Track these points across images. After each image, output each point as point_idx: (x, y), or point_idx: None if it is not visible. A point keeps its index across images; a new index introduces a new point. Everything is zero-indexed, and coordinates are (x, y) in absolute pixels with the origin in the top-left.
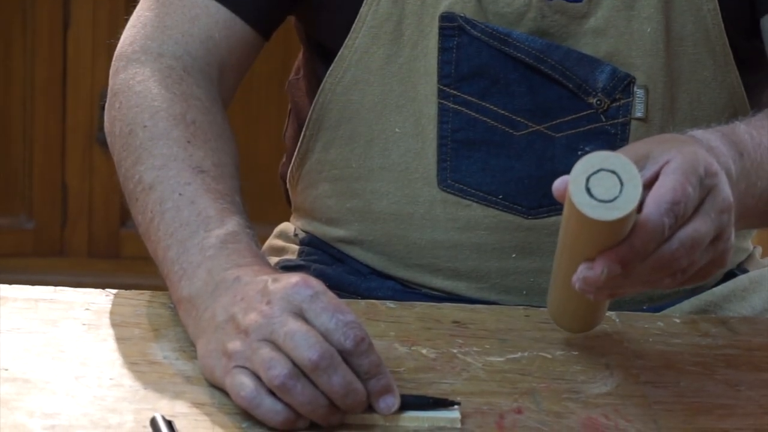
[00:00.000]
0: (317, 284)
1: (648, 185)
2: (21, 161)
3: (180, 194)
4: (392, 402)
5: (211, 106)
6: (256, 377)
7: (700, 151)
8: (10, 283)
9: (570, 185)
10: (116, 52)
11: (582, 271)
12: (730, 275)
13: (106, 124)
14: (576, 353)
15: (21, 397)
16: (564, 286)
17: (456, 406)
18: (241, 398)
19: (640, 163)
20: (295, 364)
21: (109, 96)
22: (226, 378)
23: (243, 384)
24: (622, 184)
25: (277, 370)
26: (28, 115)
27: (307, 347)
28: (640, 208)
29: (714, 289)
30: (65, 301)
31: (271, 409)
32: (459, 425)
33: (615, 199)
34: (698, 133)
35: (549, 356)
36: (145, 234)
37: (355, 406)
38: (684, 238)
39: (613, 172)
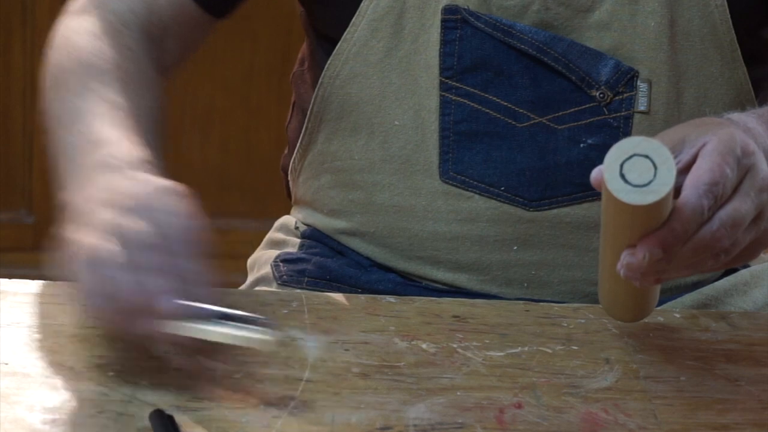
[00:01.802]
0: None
1: (685, 169)
2: (21, 156)
3: (91, 120)
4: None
5: (143, 58)
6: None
7: (737, 132)
8: (10, 277)
9: (605, 173)
10: (66, 9)
11: (625, 257)
12: (732, 270)
13: (44, 77)
14: (576, 348)
15: (21, 392)
16: (611, 275)
17: (269, 328)
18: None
19: (677, 148)
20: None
21: (49, 47)
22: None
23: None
24: (655, 167)
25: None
26: (28, 109)
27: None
28: (678, 191)
29: (715, 283)
30: (65, 296)
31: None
32: (272, 347)
33: (650, 182)
34: (734, 115)
35: (549, 351)
36: (54, 160)
37: (135, 304)
38: (725, 218)
39: (646, 156)
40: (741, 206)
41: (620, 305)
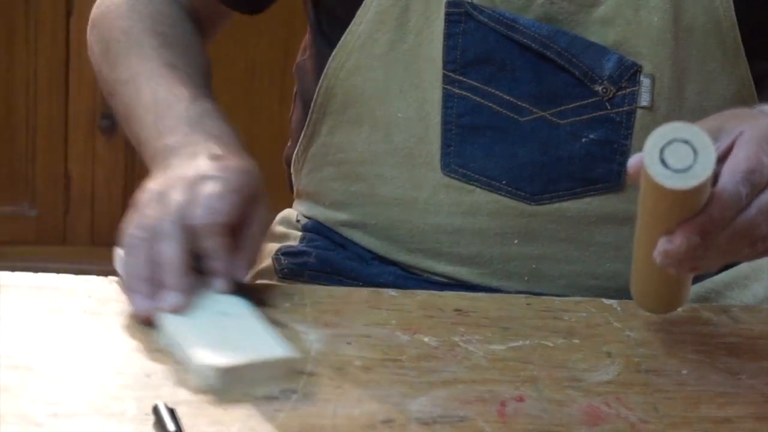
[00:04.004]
0: (224, 172)
1: (723, 158)
2: (24, 149)
3: (156, 83)
4: (222, 285)
5: (181, 21)
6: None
7: None
8: (12, 270)
9: (645, 158)
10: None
11: (662, 244)
12: (732, 263)
13: (89, 51)
14: (577, 341)
15: (24, 385)
16: (646, 265)
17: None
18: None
19: (714, 137)
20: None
21: (89, 28)
22: (130, 225)
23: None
24: (695, 152)
25: (135, 229)
26: (31, 102)
27: (163, 213)
28: (716, 180)
29: (715, 277)
30: (68, 289)
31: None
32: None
33: (690, 167)
34: (767, 107)
35: (550, 344)
36: (125, 120)
37: (166, 278)
38: (762, 205)
39: (686, 141)
40: None
41: (653, 296)
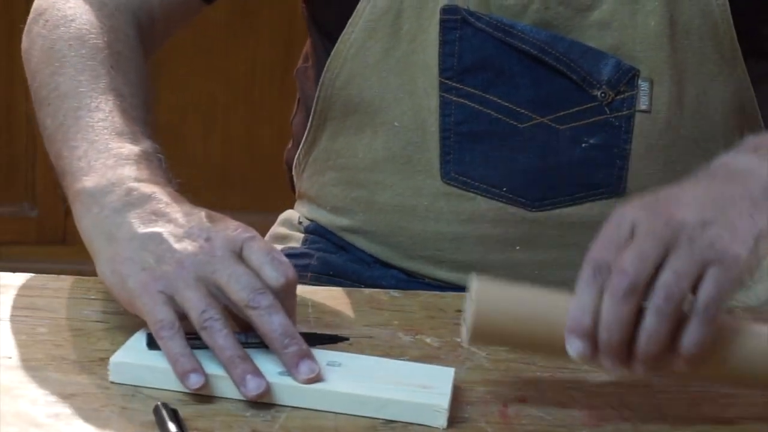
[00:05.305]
0: (254, 231)
1: None
2: (24, 150)
3: (97, 107)
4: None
5: (137, 45)
6: (176, 312)
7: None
8: (12, 271)
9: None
10: None
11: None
12: None
13: (24, 42)
14: None
15: (24, 385)
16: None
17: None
18: (158, 326)
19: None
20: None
21: (32, 16)
22: (143, 295)
23: (165, 315)
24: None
25: (209, 313)
26: (32, 103)
27: (251, 289)
28: None
29: None
30: (67, 289)
31: (179, 351)
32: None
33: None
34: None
35: None
36: (51, 137)
37: (291, 351)
38: (629, 256)
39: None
40: (642, 246)
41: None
